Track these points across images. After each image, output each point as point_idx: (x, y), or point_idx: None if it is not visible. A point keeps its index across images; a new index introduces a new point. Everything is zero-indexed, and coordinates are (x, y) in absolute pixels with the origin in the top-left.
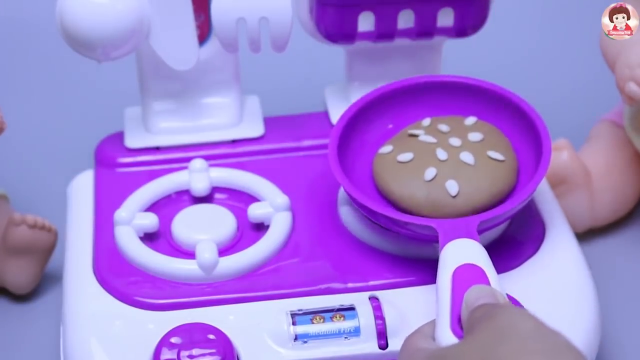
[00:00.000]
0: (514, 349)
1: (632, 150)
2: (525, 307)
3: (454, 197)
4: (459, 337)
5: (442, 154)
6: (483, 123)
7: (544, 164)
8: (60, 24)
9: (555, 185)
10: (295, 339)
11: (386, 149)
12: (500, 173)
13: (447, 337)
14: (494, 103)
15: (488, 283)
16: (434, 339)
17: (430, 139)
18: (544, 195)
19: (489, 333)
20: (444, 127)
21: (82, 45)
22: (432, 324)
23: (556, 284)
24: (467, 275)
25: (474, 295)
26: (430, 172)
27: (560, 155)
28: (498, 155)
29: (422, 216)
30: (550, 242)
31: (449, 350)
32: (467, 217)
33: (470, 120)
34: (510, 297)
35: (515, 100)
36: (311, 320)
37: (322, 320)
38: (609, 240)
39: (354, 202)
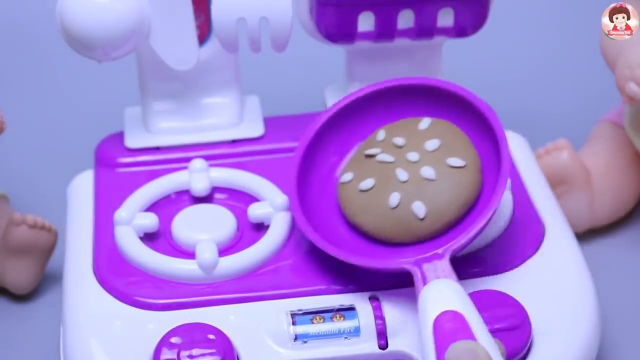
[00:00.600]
0: None
1: (632, 150)
2: (525, 307)
3: (422, 219)
4: None
5: (402, 175)
6: (437, 122)
7: (504, 173)
8: (60, 24)
9: (555, 185)
10: (295, 339)
11: (346, 177)
12: (463, 180)
13: None
14: (444, 100)
15: (469, 331)
16: None
17: (387, 157)
18: (544, 195)
19: None
20: (399, 141)
21: (82, 45)
22: None
23: (556, 284)
24: (448, 324)
25: (454, 356)
26: (394, 198)
27: (560, 155)
28: (458, 162)
29: (394, 242)
30: (550, 242)
31: None
32: (438, 252)
33: (425, 122)
34: (509, 297)
35: (463, 94)
36: (311, 320)
37: (322, 320)
38: (609, 240)
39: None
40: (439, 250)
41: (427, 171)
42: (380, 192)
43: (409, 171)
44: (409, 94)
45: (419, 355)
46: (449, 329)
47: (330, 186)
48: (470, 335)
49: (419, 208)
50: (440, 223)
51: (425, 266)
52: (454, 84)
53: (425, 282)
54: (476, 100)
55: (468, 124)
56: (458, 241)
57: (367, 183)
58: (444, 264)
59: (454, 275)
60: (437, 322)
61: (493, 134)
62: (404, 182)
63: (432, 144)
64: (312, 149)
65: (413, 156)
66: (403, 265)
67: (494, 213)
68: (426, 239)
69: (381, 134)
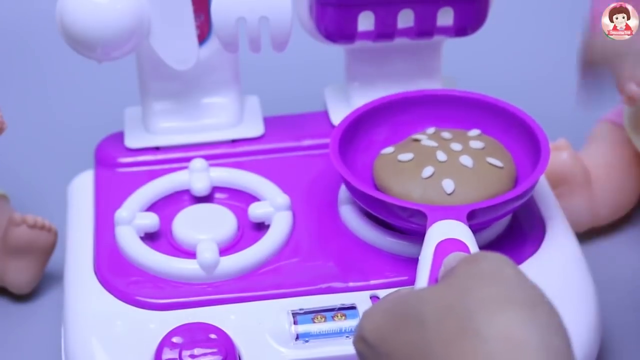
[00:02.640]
0: (494, 294)
1: (632, 150)
2: None
3: (449, 194)
4: None
5: (441, 156)
6: (485, 136)
7: (542, 165)
8: (60, 24)
9: (555, 185)
10: (297, 338)
11: (388, 150)
12: (496, 178)
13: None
14: (496, 117)
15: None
16: None
17: (432, 143)
18: (544, 195)
19: (469, 275)
20: (446, 135)
21: (82, 45)
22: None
23: (556, 284)
24: (449, 248)
25: (452, 259)
26: (427, 171)
27: (560, 155)
28: (497, 162)
29: None
30: (550, 241)
31: (423, 290)
32: (457, 206)
33: (474, 132)
34: None
35: (516, 113)
36: (312, 319)
37: (323, 319)
38: (609, 240)
39: (347, 186)
40: (458, 206)
41: (466, 160)
42: (416, 165)
43: (448, 155)
44: (460, 105)
45: None
46: (450, 250)
47: (367, 162)
48: None
49: (448, 184)
50: (465, 203)
51: (441, 209)
52: (508, 103)
53: (436, 220)
54: (531, 122)
55: (515, 141)
56: (479, 204)
57: (406, 156)
58: (460, 214)
59: (466, 223)
60: (440, 246)
61: (535, 151)
62: (441, 161)
63: (476, 144)
64: (359, 123)
65: (456, 146)
66: (420, 207)
67: (523, 196)
68: None
69: (431, 130)
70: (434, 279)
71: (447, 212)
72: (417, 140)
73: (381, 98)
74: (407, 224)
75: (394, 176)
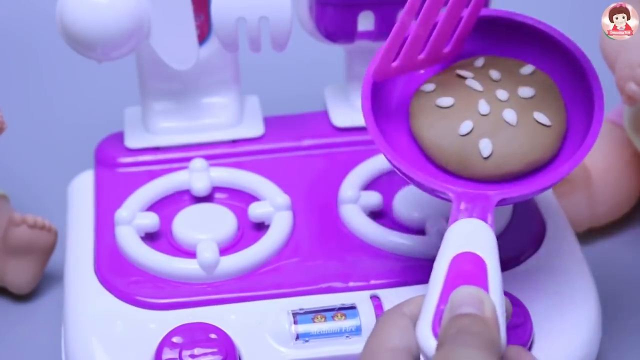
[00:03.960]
0: None
1: (632, 150)
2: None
3: (486, 158)
4: (437, 337)
5: (484, 107)
6: (540, 75)
7: (590, 140)
8: (60, 24)
9: (555, 185)
10: (297, 338)
11: (428, 86)
12: (541, 140)
13: (425, 335)
14: (553, 51)
15: (485, 279)
16: (413, 322)
17: (477, 85)
18: (544, 195)
19: None
20: (495, 74)
21: (82, 45)
22: (415, 303)
23: (556, 284)
24: (466, 266)
25: (460, 299)
26: (466, 126)
27: None
28: (544, 119)
29: (448, 171)
30: (550, 241)
31: None
32: (488, 193)
33: (527, 69)
34: (509, 296)
35: (574, 51)
36: (312, 319)
37: (323, 319)
38: (609, 240)
39: (376, 142)
40: (490, 192)
41: (510, 115)
42: (455, 115)
43: (492, 106)
44: (517, 33)
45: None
46: (465, 271)
47: (407, 91)
48: (484, 285)
49: (485, 146)
50: (501, 170)
51: (468, 200)
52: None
53: (461, 216)
54: (589, 67)
55: (567, 80)
56: (513, 191)
57: (446, 101)
58: (488, 208)
59: (492, 224)
60: (456, 260)
61: (586, 96)
62: (483, 115)
63: (525, 92)
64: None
65: (502, 94)
66: (447, 189)
67: (560, 179)
68: (481, 180)
69: (480, 61)
70: (439, 314)
71: (476, 201)
72: (461, 77)
73: None
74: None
75: (429, 126)
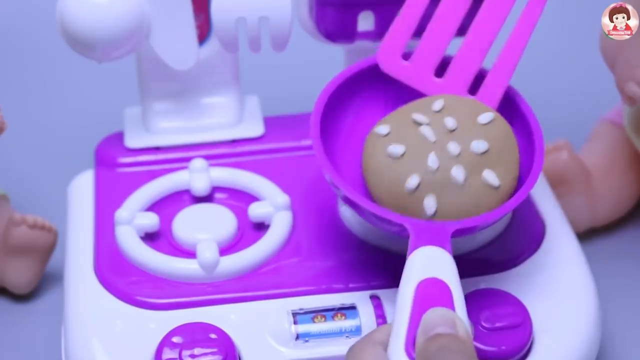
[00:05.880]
0: None
1: (632, 150)
2: (526, 306)
3: (430, 216)
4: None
5: (433, 162)
6: (498, 123)
7: (533, 177)
8: (60, 24)
9: (555, 185)
10: (297, 338)
11: (383, 129)
12: (486, 202)
13: (399, 356)
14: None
15: (452, 304)
16: (385, 349)
17: (430, 135)
18: (544, 195)
19: None
20: (451, 123)
21: (82, 45)
22: (384, 331)
23: (556, 284)
24: (431, 291)
25: (433, 320)
26: (413, 181)
27: (560, 155)
28: (493, 179)
29: None
30: (550, 241)
31: None
32: (443, 223)
33: (486, 117)
34: (510, 295)
35: (516, 100)
36: (312, 319)
37: (323, 319)
38: (609, 240)
39: (332, 184)
40: (443, 223)
41: (458, 173)
42: (403, 167)
43: (441, 162)
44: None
45: None
46: (431, 295)
47: (363, 129)
48: (451, 308)
49: (429, 205)
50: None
51: (425, 230)
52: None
53: (419, 245)
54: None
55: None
56: (464, 223)
57: (397, 149)
58: (445, 237)
59: (449, 250)
60: (421, 286)
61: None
62: (431, 170)
63: (479, 146)
64: (362, 82)
65: (454, 148)
66: (404, 221)
67: (508, 212)
68: None
69: (439, 103)
70: (411, 338)
71: (432, 230)
72: (417, 122)
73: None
74: (387, 228)
75: (378, 177)
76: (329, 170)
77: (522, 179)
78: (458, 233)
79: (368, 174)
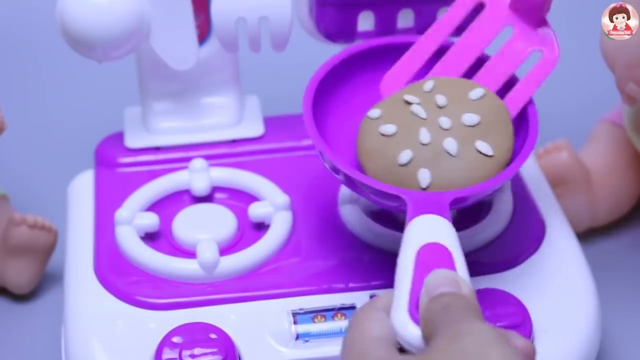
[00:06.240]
0: None
1: (632, 150)
2: (526, 306)
3: (424, 189)
4: (416, 322)
5: (425, 136)
6: (490, 98)
7: (528, 147)
8: (60, 24)
9: (555, 185)
10: (297, 338)
11: (375, 112)
12: (481, 170)
13: (403, 320)
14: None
15: (454, 267)
16: (388, 314)
17: (421, 112)
18: (544, 195)
19: (450, 355)
20: (441, 100)
21: (82, 45)
22: (387, 297)
23: (556, 283)
24: (432, 255)
25: (435, 280)
26: (405, 156)
27: (559, 155)
28: (487, 149)
29: None
30: (550, 241)
31: None
32: (440, 193)
33: (477, 92)
34: (510, 295)
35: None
36: (312, 319)
37: (323, 319)
38: (609, 240)
39: (323, 157)
40: (439, 193)
41: (451, 144)
42: (395, 143)
43: (433, 135)
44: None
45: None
46: (433, 259)
47: (357, 115)
48: (453, 270)
49: (424, 177)
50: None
51: (422, 197)
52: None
53: (417, 214)
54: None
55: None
56: (460, 192)
57: (389, 128)
58: (443, 206)
59: (449, 219)
60: (422, 251)
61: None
62: (423, 144)
63: (470, 119)
64: (353, 64)
65: (446, 122)
66: (400, 193)
67: (503, 181)
68: None
69: (429, 84)
70: (414, 299)
71: (429, 200)
72: (407, 102)
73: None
74: (385, 203)
75: (371, 154)
76: (325, 150)
77: (517, 154)
78: (456, 202)
79: (362, 155)
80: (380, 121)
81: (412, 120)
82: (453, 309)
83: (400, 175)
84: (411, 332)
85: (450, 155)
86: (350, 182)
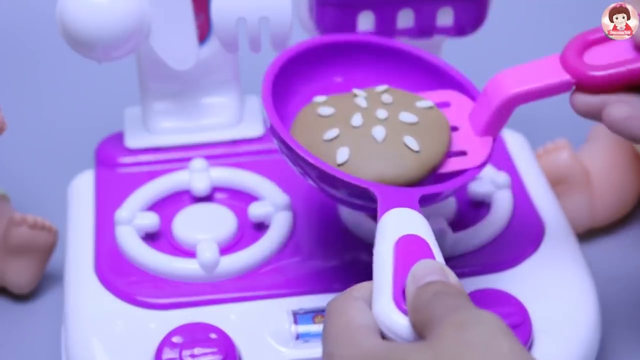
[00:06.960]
0: None
1: (632, 150)
2: (526, 306)
3: (340, 165)
4: (402, 310)
5: (357, 120)
6: (435, 112)
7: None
8: (60, 24)
9: (554, 185)
10: (297, 337)
11: (320, 98)
12: (400, 160)
13: (388, 309)
14: (449, 85)
15: (433, 258)
16: (369, 305)
17: (363, 102)
18: (544, 195)
19: (458, 344)
20: (387, 98)
21: (82, 45)
22: (365, 288)
23: (556, 283)
24: (410, 247)
25: (422, 270)
26: (331, 133)
27: (559, 155)
28: (413, 144)
29: None
30: (550, 241)
31: (406, 350)
32: (409, 188)
33: (425, 103)
34: (510, 295)
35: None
36: (313, 319)
37: (323, 319)
38: (609, 240)
39: (282, 150)
40: (409, 188)
41: (379, 132)
42: (327, 123)
43: (365, 121)
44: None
45: None
46: (412, 250)
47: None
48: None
49: (342, 154)
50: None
51: (391, 194)
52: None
53: (389, 207)
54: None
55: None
56: (432, 189)
57: (327, 110)
58: (413, 200)
59: (420, 212)
60: (399, 243)
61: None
62: (353, 127)
63: (407, 117)
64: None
65: (382, 114)
66: (370, 186)
67: (472, 179)
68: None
69: (382, 88)
70: (399, 289)
71: (399, 194)
72: (355, 94)
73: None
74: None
75: (302, 128)
76: (294, 144)
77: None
78: (425, 199)
79: (293, 130)
80: (322, 105)
81: (351, 107)
82: (444, 296)
83: (320, 149)
84: (397, 321)
85: (376, 140)
86: (321, 179)
